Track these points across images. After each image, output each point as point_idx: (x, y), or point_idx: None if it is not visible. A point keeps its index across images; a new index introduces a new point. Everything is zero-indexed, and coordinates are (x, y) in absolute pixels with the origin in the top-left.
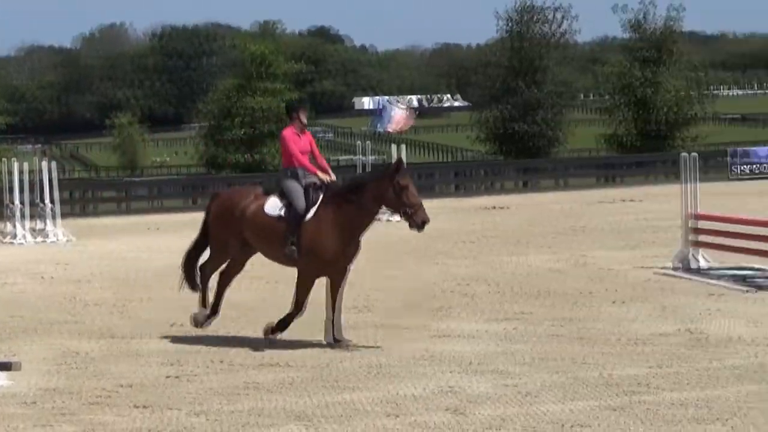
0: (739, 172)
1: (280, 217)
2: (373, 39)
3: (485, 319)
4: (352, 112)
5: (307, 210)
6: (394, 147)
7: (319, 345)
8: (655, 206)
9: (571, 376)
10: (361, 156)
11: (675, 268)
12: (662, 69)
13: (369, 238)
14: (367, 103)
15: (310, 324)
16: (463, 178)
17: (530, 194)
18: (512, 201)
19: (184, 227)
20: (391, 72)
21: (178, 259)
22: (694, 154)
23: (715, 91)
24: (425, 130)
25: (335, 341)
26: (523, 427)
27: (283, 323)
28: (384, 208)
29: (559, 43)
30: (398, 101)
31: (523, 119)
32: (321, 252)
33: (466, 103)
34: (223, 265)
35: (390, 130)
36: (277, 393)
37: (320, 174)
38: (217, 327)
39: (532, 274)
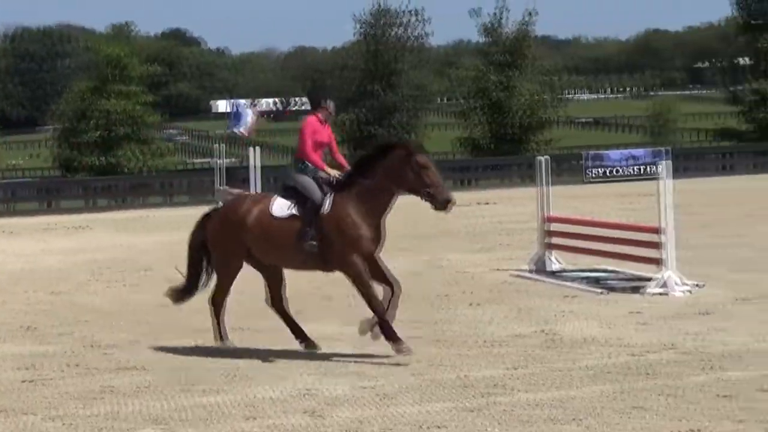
0: (593, 175)
1: (292, 216)
2: (228, 42)
3: (342, 322)
4: (209, 114)
5: (322, 202)
6: (251, 150)
7: (174, 349)
8: (510, 209)
9: (428, 378)
10: (217, 159)
11: (530, 271)
12: (516, 73)
13: None
14: (223, 106)
15: (169, 326)
16: None
17: None
18: None
19: (39, 231)
20: (247, 75)
21: (35, 262)
22: (547, 157)
23: (568, 95)
24: (281, 133)
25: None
26: (380, 428)
27: (381, 327)
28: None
29: (414, 47)
30: (254, 104)
31: (380, 122)
32: (351, 239)
33: None
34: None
35: (246, 132)
36: (134, 397)
37: (328, 170)
38: (72, 330)
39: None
